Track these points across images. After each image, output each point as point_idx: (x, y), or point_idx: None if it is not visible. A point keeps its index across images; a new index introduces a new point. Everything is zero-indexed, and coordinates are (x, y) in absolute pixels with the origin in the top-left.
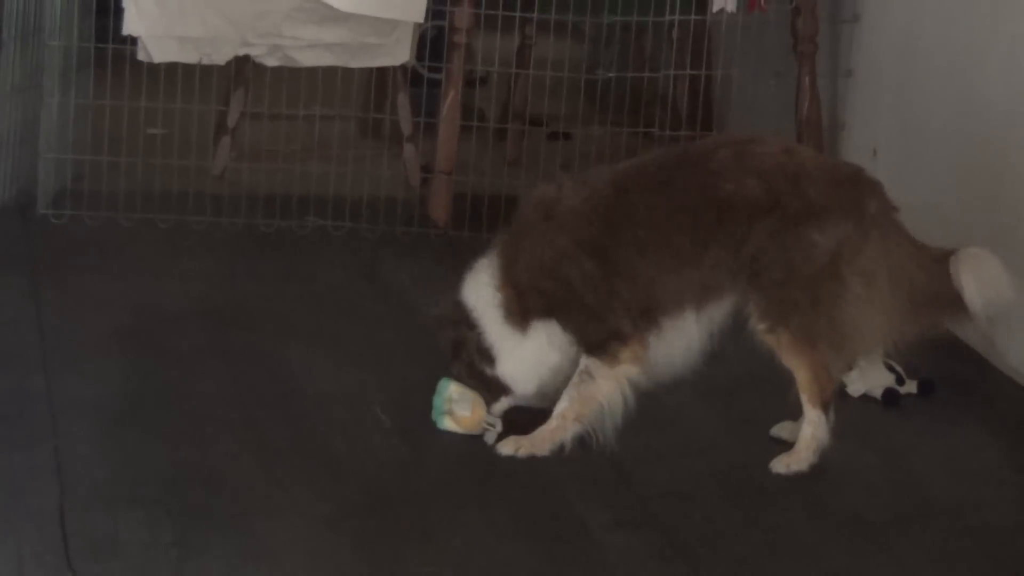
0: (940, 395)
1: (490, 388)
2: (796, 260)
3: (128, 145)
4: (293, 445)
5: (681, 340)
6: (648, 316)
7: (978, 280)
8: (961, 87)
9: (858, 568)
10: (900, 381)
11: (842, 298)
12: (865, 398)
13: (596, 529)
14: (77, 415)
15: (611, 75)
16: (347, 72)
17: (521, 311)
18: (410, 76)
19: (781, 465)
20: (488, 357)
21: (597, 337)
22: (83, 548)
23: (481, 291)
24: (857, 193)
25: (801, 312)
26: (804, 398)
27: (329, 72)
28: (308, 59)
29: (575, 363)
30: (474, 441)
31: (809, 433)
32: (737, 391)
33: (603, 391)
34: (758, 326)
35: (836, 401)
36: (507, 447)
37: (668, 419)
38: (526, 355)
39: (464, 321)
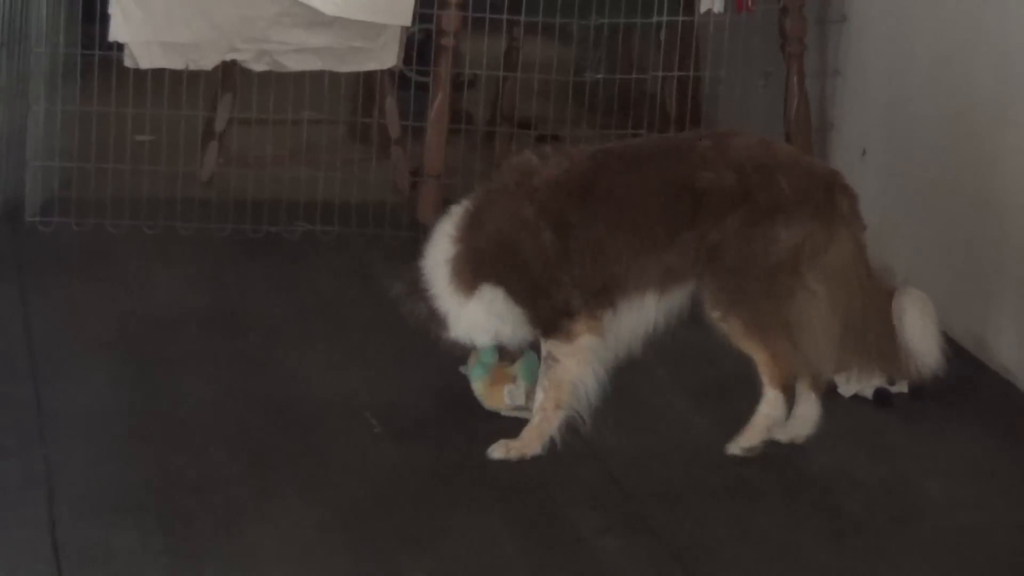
0: (931, 394)
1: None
2: (756, 251)
3: (115, 152)
4: (284, 451)
5: (637, 320)
6: (604, 295)
7: (919, 327)
8: (949, 86)
9: (850, 568)
10: (891, 381)
11: (796, 294)
12: (856, 398)
13: (587, 532)
14: (67, 423)
15: (599, 77)
16: (334, 76)
17: (470, 271)
18: (398, 80)
19: (735, 446)
20: (441, 322)
21: (546, 314)
22: (74, 556)
23: (439, 245)
24: (829, 194)
25: (752, 302)
26: (764, 379)
27: (316, 76)
28: (295, 64)
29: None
30: (465, 445)
31: (764, 411)
32: (727, 392)
33: (572, 371)
34: (711, 313)
35: (826, 400)
36: (498, 451)
37: (658, 421)
38: (470, 318)
39: (420, 289)
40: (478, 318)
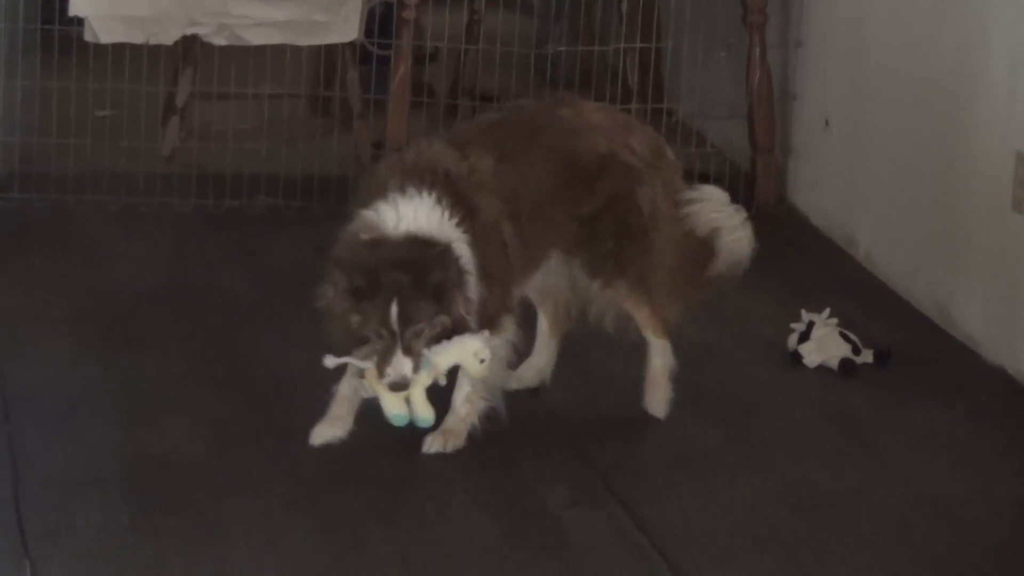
0: (896, 364)
1: None
2: (630, 214)
3: (76, 127)
4: (249, 427)
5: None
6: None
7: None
8: (911, 56)
9: (816, 538)
10: (856, 351)
11: (668, 242)
12: (821, 368)
13: (554, 506)
14: (30, 401)
15: (560, 49)
16: (296, 50)
17: None
18: (359, 53)
19: (652, 407)
20: None
21: (495, 308)
22: (39, 533)
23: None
24: (659, 142)
25: (635, 263)
26: (648, 332)
27: (278, 50)
28: (256, 37)
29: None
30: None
31: (659, 364)
32: (689, 365)
33: (492, 367)
34: (593, 282)
35: (792, 371)
36: (435, 445)
37: (622, 394)
38: None
39: None
40: None
